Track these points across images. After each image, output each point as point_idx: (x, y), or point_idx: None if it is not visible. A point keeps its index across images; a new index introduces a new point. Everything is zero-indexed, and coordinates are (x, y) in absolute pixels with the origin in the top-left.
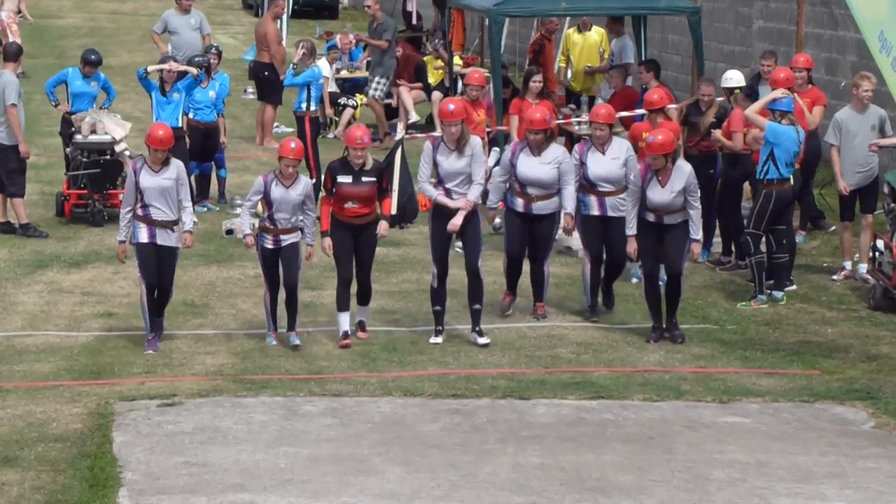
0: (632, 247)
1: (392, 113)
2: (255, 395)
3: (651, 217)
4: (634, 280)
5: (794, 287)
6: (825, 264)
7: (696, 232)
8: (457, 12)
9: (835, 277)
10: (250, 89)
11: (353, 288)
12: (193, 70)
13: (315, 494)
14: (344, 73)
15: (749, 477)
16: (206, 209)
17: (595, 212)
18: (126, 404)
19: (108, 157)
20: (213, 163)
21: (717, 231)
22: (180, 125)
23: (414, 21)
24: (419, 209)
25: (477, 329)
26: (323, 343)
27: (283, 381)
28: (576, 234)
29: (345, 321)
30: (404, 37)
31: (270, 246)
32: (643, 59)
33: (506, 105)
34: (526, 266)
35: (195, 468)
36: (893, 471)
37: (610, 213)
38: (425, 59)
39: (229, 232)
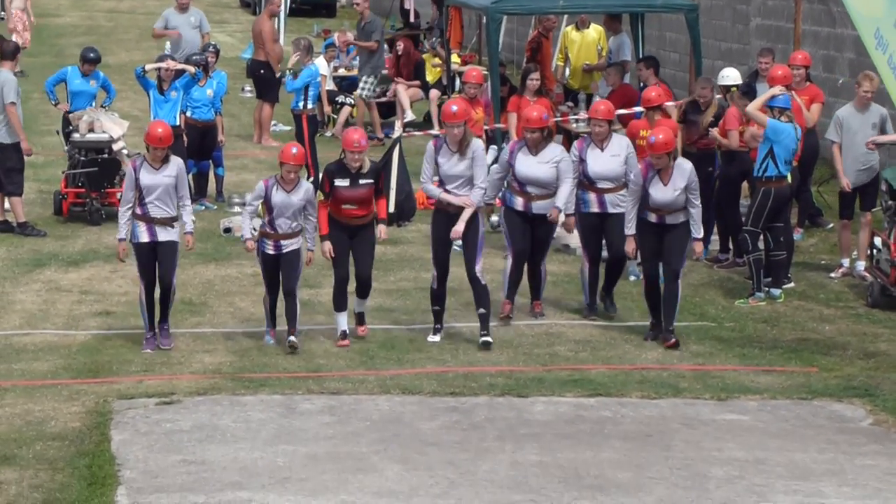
0: (630, 246)
1: (389, 111)
2: (253, 394)
3: (653, 217)
4: (633, 278)
5: (792, 284)
6: (823, 262)
7: (698, 231)
8: (454, 10)
9: (833, 275)
10: (248, 87)
11: (352, 286)
12: (191, 68)
13: (313, 492)
14: (342, 72)
15: (747, 474)
16: (203, 208)
17: (594, 209)
18: (124, 403)
19: (105, 155)
20: (210, 161)
21: (716, 229)
22: (178, 123)
23: (412, 19)
24: (417, 207)
25: (482, 332)
26: (321, 341)
27: (281, 380)
28: (574, 233)
29: (342, 321)
30: (403, 34)
31: (271, 252)
32: (641, 56)
33: (503, 103)
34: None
35: (193, 466)
36: (891, 468)
37: (610, 210)
38: (423, 56)
39: (227, 230)
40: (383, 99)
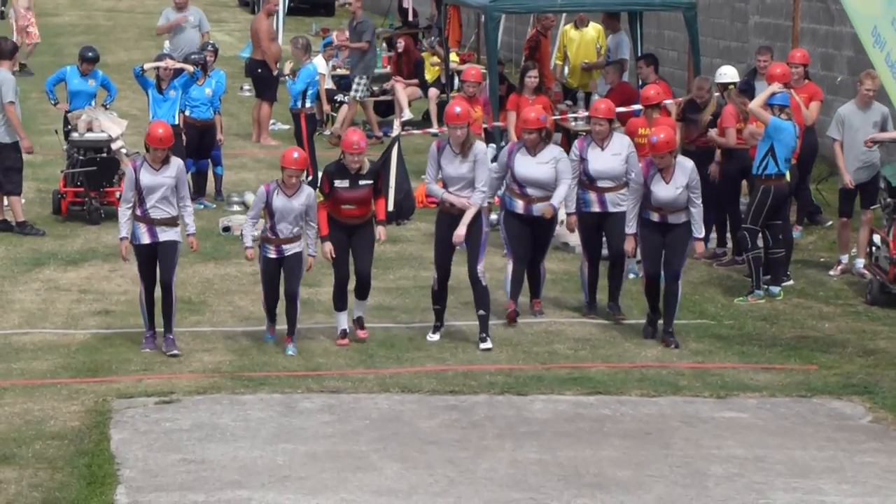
0: (630, 245)
1: (388, 110)
2: (252, 392)
3: (655, 217)
4: (632, 276)
5: (791, 282)
6: (822, 259)
7: (699, 231)
8: (453, 8)
9: (831, 272)
10: (247, 86)
11: (351, 284)
12: (190, 67)
13: (313, 491)
14: (340, 71)
15: (747, 472)
16: (202, 207)
17: (595, 208)
18: (124, 402)
19: (104, 154)
20: (209, 160)
21: (714, 226)
22: (177, 122)
23: (410, 17)
24: (416, 206)
25: (482, 335)
26: (320, 340)
27: (280, 378)
28: (574, 231)
29: (342, 320)
30: (402, 32)
31: (273, 256)
32: (639, 55)
33: (502, 101)
34: None
35: (193, 465)
36: (891, 465)
37: (610, 209)
38: (422, 55)
39: (226, 229)
40: (382, 98)
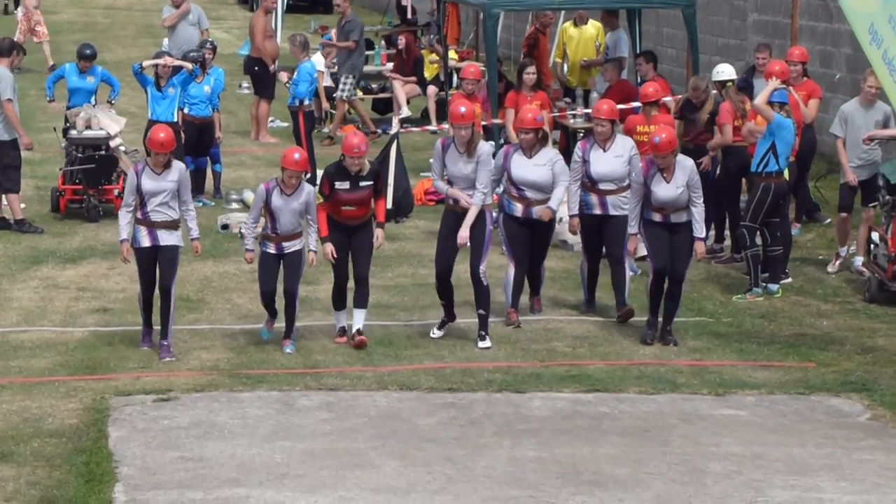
0: (632, 245)
1: (387, 107)
2: (250, 390)
3: (657, 217)
4: (630, 273)
5: (789, 280)
6: (820, 257)
7: (700, 231)
8: (451, 6)
9: (829, 268)
10: (245, 84)
11: (351, 283)
12: (188, 65)
13: (311, 489)
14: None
15: (745, 469)
16: (201, 204)
17: (596, 211)
18: (122, 399)
19: (102, 152)
20: (208, 158)
21: (713, 223)
22: (176, 120)
23: (409, 15)
24: (414, 203)
25: (480, 333)
26: (319, 338)
27: (278, 376)
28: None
29: (341, 318)
30: (401, 30)
31: (273, 251)
32: (638, 52)
33: (500, 99)
34: None
35: (191, 463)
36: (889, 462)
37: (611, 212)
38: (422, 52)
39: (224, 227)
40: (381, 95)
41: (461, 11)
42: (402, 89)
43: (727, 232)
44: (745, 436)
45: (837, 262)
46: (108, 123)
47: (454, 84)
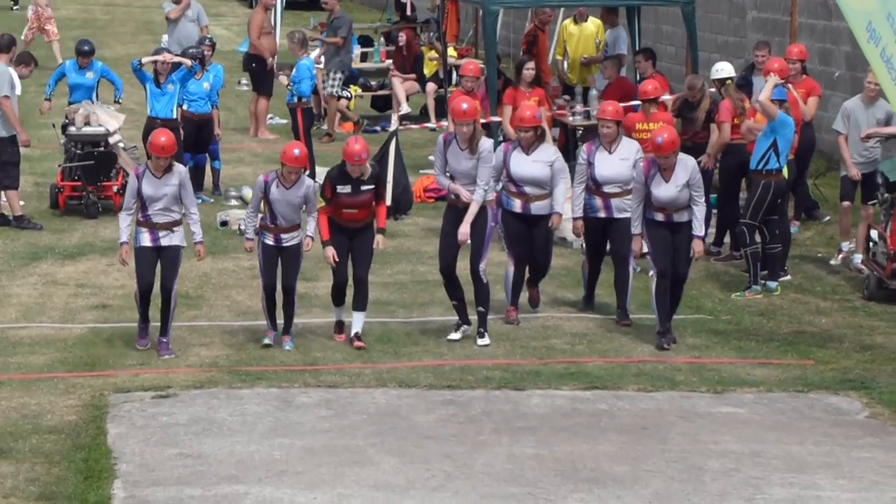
0: (637, 245)
1: (386, 104)
2: (249, 387)
3: (659, 216)
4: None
5: (788, 277)
6: (819, 255)
7: (700, 229)
8: (451, 3)
9: (832, 262)
10: (244, 81)
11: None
12: (187, 61)
13: (310, 486)
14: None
15: (743, 467)
16: (200, 201)
17: (601, 214)
18: (120, 396)
19: (101, 148)
20: (207, 155)
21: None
22: (175, 117)
23: (408, 11)
24: (413, 200)
25: (479, 330)
26: (317, 334)
27: (277, 373)
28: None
29: (340, 312)
30: (401, 27)
31: (272, 242)
32: (637, 49)
33: (499, 96)
34: None
35: (190, 460)
36: (888, 460)
37: (616, 215)
38: (421, 49)
39: (224, 224)
40: (380, 92)
41: (460, 8)
42: (401, 86)
43: (727, 240)
44: (744, 433)
45: (840, 256)
46: (106, 120)
47: (453, 81)
